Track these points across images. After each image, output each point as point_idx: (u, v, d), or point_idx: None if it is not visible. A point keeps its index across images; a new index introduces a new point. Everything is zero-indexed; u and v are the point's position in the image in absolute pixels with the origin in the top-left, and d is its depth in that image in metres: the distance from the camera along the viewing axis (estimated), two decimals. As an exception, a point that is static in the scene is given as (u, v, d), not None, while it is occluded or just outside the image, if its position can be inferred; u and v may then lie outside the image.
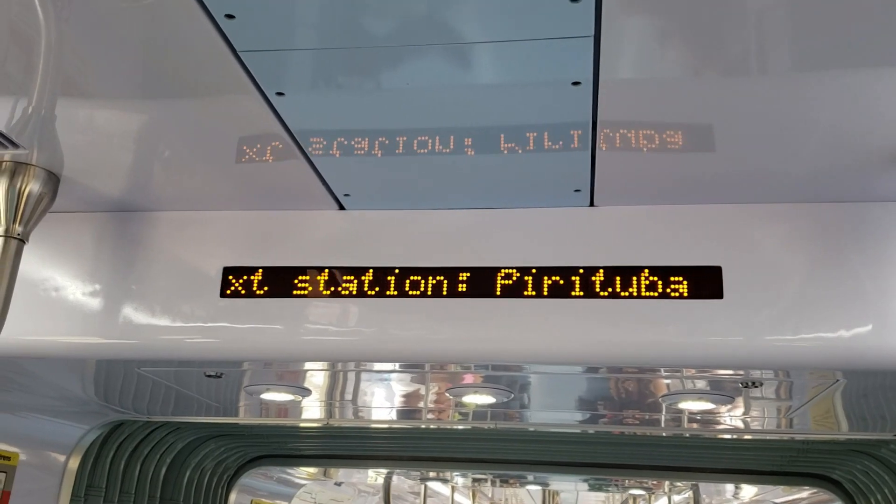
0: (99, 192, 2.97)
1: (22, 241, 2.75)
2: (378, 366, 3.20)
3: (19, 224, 2.74)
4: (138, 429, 4.69)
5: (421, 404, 4.14)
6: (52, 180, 2.81)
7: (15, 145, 2.62)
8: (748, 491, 8.49)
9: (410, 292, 2.84)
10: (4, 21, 2.01)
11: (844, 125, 2.32)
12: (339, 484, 10.83)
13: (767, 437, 4.56)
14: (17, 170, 2.74)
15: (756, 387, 3.02)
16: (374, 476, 11.62)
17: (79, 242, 3.08)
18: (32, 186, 2.75)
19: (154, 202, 3.05)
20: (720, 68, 2.09)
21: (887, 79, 2.08)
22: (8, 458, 3.79)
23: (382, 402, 4.12)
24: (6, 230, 2.72)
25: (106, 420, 4.33)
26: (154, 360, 3.10)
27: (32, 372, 3.45)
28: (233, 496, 6.27)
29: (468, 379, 3.29)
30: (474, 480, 11.55)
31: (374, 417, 4.60)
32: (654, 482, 9.33)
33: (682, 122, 2.36)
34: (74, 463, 4.19)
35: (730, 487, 8.80)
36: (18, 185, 2.74)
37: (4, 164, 2.74)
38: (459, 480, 11.53)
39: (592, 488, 10.95)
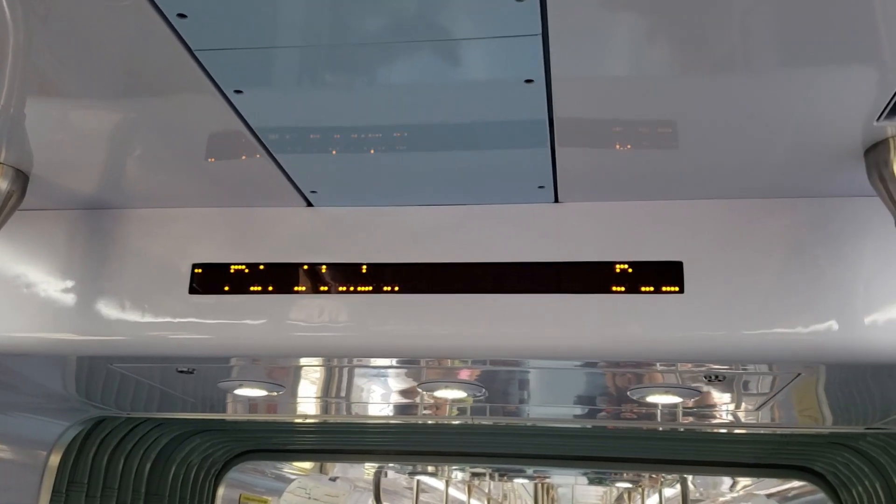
0: (70, 189, 3.00)
1: (-11, 238, 2.77)
2: (353, 361, 3.22)
3: (-14, 222, 2.76)
4: (120, 424, 4.72)
5: (409, 399, 4.15)
6: (21, 178, 2.83)
7: (-20, 145, 2.64)
8: (739, 483, 8.53)
9: (378, 288, 2.86)
10: None
11: (805, 121, 2.34)
12: (333, 479, 10.87)
13: (752, 431, 4.58)
14: (-16, 169, 2.77)
15: (719, 381, 3.04)
16: (370, 471, 11.66)
17: (50, 240, 3.11)
18: (0, 185, 2.77)
19: (125, 199, 3.07)
20: (680, 66, 2.10)
21: (845, 74, 2.09)
22: (-13, 456, 3.82)
23: (365, 396, 4.14)
24: (-28, 227, 2.75)
25: (87, 416, 4.36)
26: (126, 357, 3.12)
27: (9, 368, 3.48)
28: (220, 491, 6.29)
29: (434, 374, 3.31)
30: (472, 475, 11.59)
31: (359, 412, 4.62)
32: (651, 476, 9.37)
33: (643, 119, 2.37)
34: (55, 459, 4.22)
35: (722, 480, 8.84)
36: (-14, 184, 2.76)
37: (-29, 162, 2.76)
38: (457, 475, 11.57)
39: (591, 482, 11.00)
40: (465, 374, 3.29)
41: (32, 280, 3.06)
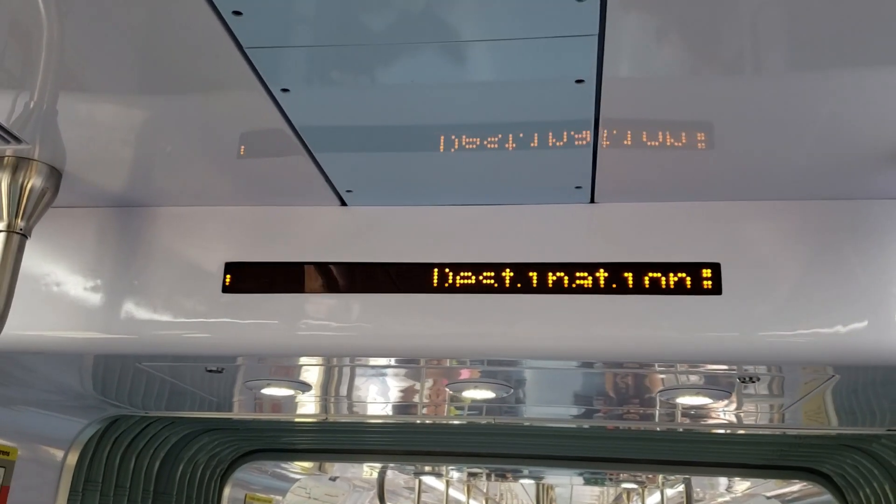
0: (101, 187, 2.98)
1: (24, 235, 2.76)
2: (376, 361, 3.21)
3: (21, 219, 2.74)
4: (134, 423, 4.70)
5: (417, 399, 4.15)
6: (55, 175, 2.81)
7: (17, 140, 2.62)
8: (741, 484, 8.55)
9: (412, 288, 2.86)
10: (5, 15, 2.01)
11: (842, 122, 2.35)
12: (333, 479, 10.85)
13: (759, 432, 4.59)
14: (19, 165, 2.75)
15: (752, 382, 3.05)
16: (369, 471, 11.66)
17: (81, 237, 3.09)
18: (35, 181, 2.76)
19: (156, 197, 3.05)
20: (720, 66, 2.11)
21: (884, 76, 2.10)
22: (7, 454, 3.80)
23: (378, 397, 4.14)
24: (8, 225, 2.73)
25: (104, 415, 4.33)
26: (155, 355, 3.11)
27: (32, 367, 3.46)
28: (227, 490, 6.27)
29: (466, 374, 3.31)
30: (470, 475, 11.59)
31: (369, 412, 4.62)
32: (648, 476, 9.39)
33: (682, 120, 2.38)
34: (73, 458, 4.20)
35: (723, 481, 8.86)
36: (21, 180, 2.74)
37: (7, 159, 2.74)
38: (454, 475, 11.57)
39: (588, 482, 11.01)
40: (497, 375, 3.29)
41: (63, 278, 3.04)
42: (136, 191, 3.01)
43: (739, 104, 2.28)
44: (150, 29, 2.05)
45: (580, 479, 10.49)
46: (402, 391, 3.95)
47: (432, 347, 2.89)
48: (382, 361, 3.21)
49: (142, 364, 3.28)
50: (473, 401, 3.80)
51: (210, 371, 3.34)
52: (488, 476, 11.43)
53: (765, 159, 2.59)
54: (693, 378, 3.16)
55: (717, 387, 3.21)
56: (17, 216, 2.74)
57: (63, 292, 3.02)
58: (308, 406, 4.33)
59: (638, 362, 2.92)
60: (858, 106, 2.25)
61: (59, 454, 4.14)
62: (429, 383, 3.69)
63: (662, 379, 3.22)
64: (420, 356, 3.01)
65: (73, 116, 2.50)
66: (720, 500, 9.97)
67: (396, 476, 11.74)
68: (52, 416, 4.15)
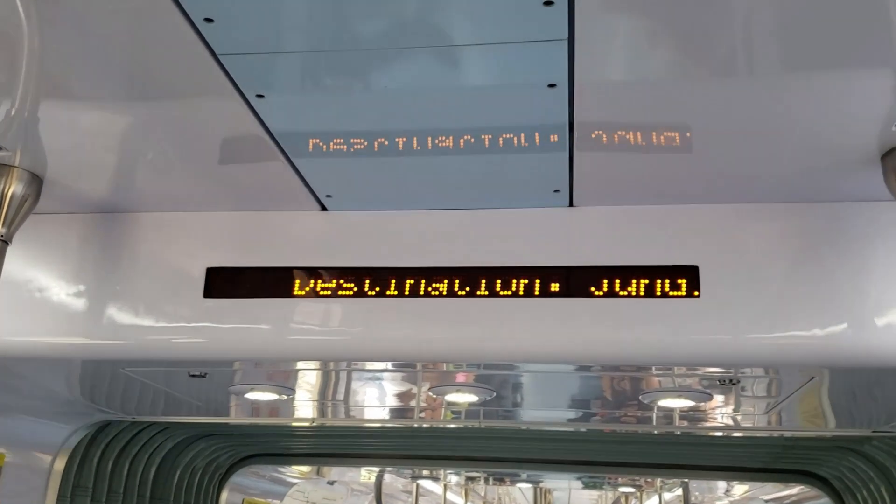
0: (83, 193, 2.99)
1: (5, 242, 2.76)
2: (365, 365, 3.22)
3: (2, 225, 2.75)
4: (125, 429, 4.70)
5: (411, 403, 4.16)
6: (36, 182, 2.82)
7: (-2, 147, 2.63)
8: (739, 488, 8.54)
9: (392, 293, 2.86)
10: None
11: (820, 126, 2.35)
12: (331, 483, 10.86)
13: (755, 435, 4.59)
14: (0, 172, 2.76)
15: (733, 384, 3.05)
16: (367, 475, 11.65)
17: (63, 243, 3.10)
18: (16, 188, 2.77)
19: (138, 203, 3.06)
20: (697, 71, 2.11)
21: (862, 80, 2.10)
22: (-5, 459, 3.80)
23: (372, 401, 4.14)
24: (-12, 231, 2.74)
25: (92, 420, 4.34)
26: (139, 361, 3.11)
27: (18, 372, 3.46)
28: (224, 495, 6.28)
29: (453, 378, 3.31)
30: (467, 479, 11.59)
31: (364, 416, 4.62)
32: (646, 480, 9.37)
33: (659, 123, 2.38)
34: (61, 463, 4.20)
35: (721, 484, 8.85)
36: (2, 187, 2.75)
37: (-13, 165, 2.75)
38: (452, 479, 11.56)
39: (587, 486, 10.99)
40: (465, 378, 3.29)
41: (45, 284, 3.05)
42: (119, 197, 3.02)
43: (718, 108, 2.28)
44: (127, 38, 2.06)
45: (578, 483, 10.48)
46: (395, 395, 3.96)
47: (414, 351, 2.90)
48: (372, 365, 3.21)
49: (125, 369, 3.28)
50: (459, 405, 3.80)
51: (193, 376, 3.34)
52: (486, 480, 11.42)
53: (743, 162, 2.59)
54: (675, 381, 3.16)
55: (697, 389, 3.21)
56: (-2, 222, 2.74)
57: (46, 298, 3.03)
58: (301, 410, 4.33)
59: (617, 365, 2.92)
60: (835, 109, 2.26)
61: (47, 460, 4.15)
62: (420, 387, 3.69)
63: (645, 382, 3.22)
64: (403, 359, 3.02)
65: (55, 123, 2.52)
66: (718, 503, 9.95)
67: (395, 480, 11.74)
68: (40, 422, 4.15)
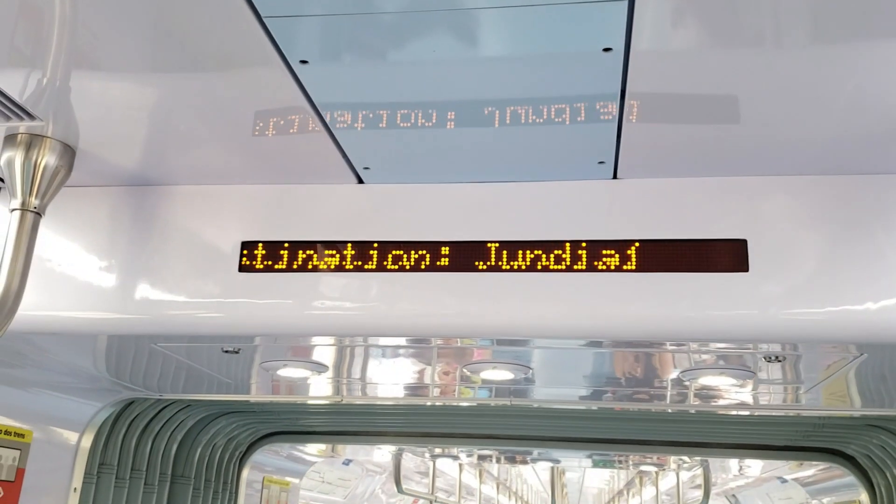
0: (115, 165, 2.93)
1: (39, 214, 2.72)
2: (395, 341, 3.16)
3: (35, 197, 2.70)
4: (149, 406, 4.68)
5: (429, 381, 4.11)
6: (68, 153, 2.77)
7: (31, 116, 2.57)
8: (756, 467, 8.50)
9: (430, 267, 2.81)
10: None
11: (868, 95, 2.28)
12: (347, 463, 10.87)
13: (778, 413, 4.54)
14: (32, 142, 2.71)
15: (779, 361, 2.99)
16: (382, 455, 11.67)
17: (94, 217, 3.05)
18: (48, 159, 2.71)
19: (171, 176, 3.00)
20: (745, 39, 2.04)
21: None
22: (22, 436, 3.78)
23: (392, 377, 4.10)
24: (22, 203, 2.69)
25: (118, 398, 4.31)
26: (170, 336, 3.07)
27: (46, 348, 3.43)
28: (245, 473, 6.28)
29: (482, 355, 3.26)
30: (480, 458, 11.59)
31: (383, 394, 4.59)
32: (662, 458, 9.34)
33: (707, 94, 2.31)
34: (87, 441, 4.18)
35: (737, 463, 8.81)
36: (34, 158, 2.70)
37: (20, 136, 2.70)
38: (465, 458, 11.56)
39: (596, 465, 10.97)
40: (517, 356, 3.24)
41: (77, 258, 3.00)
42: (151, 169, 2.97)
43: (765, 78, 2.21)
44: (163, 3, 1.99)
45: (591, 462, 10.46)
46: (415, 372, 3.91)
47: (449, 326, 2.84)
48: (400, 341, 3.16)
49: (157, 345, 3.24)
50: (489, 382, 3.75)
51: (227, 352, 3.30)
52: (499, 459, 11.43)
53: (791, 133, 2.52)
54: (717, 358, 3.10)
55: (741, 367, 3.15)
56: (31, 194, 2.69)
57: (77, 272, 2.98)
58: (323, 388, 4.29)
59: (663, 341, 2.86)
60: (885, 78, 2.19)
61: (74, 437, 4.13)
62: (441, 364, 3.64)
63: (687, 359, 3.16)
64: (439, 335, 2.96)
65: (87, 94, 2.45)
66: (735, 483, 9.93)
67: (408, 461, 11.76)
68: (67, 398, 4.13)
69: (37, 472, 3.84)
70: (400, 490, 9.72)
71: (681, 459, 9.18)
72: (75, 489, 4.07)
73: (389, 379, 4.11)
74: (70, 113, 2.58)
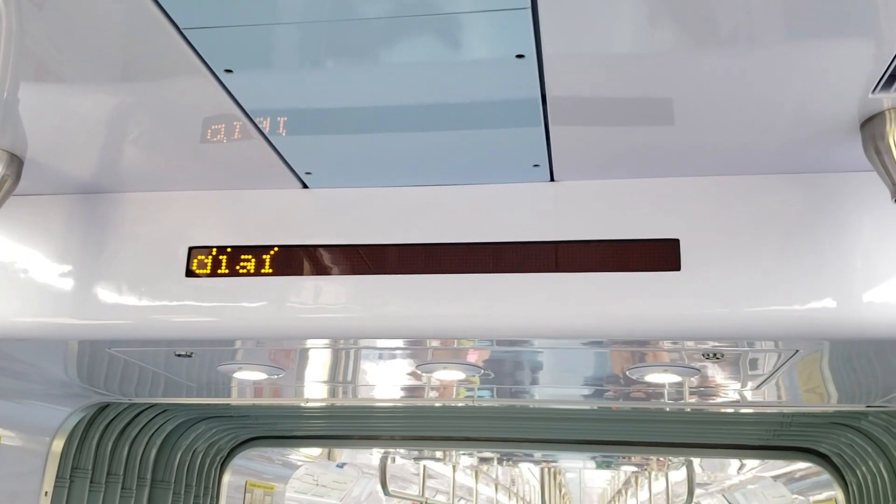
0: (66, 174, 3.00)
1: (-15, 223, 2.78)
2: (352, 343, 3.21)
3: (-19, 206, 2.76)
4: (124, 411, 4.74)
5: (407, 382, 4.16)
6: (15, 162, 2.83)
7: (-26, 129, 2.64)
8: (748, 465, 8.51)
9: (374, 270, 2.86)
10: None
11: (803, 96, 2.32)
12: (341, 466, 10.92)
13: (755, 411, 4.57)
14: (-21, 153, 2.77)
15: (717, 359, 3.03)
16: (377, 457, 11.69)
17: (47, 224, 3.11)
18: (-5, 169, 2.78)
19: (121, 183, 3.07)
20: (673, 41, 2.08)
21: (844, 47, 2.07)
22: (-13, 442, 3.85)
23: (370, 379, 4.15)
24: (-31, 212, 2.75)
25: (89, 402, 4.37)
26: (124, 340, 3.13)
27: (11, 354, 3.49)
28: (226, 477, 6.33)
29: (432, 356, 3.31)
30: (480, 460, 11.60)
31: (364, 396, 4.63)
32: (657, 459, 9.36)
33: (637, 96, 2.35)
34: (58, 445, 4.24)
35: (731, 463, 8.82)
36: (-17, 169, 2.76)
37: (-33, 147, 2.76)
38: (464, 460, 11.58)
39: (600, 466, 11.00)
40: (466, 355, 3.29)
41: (30, 265, 3.06)
42: (101, 177, 3.03)
43: (695, 78, 2.25)
44: (100, 18, 2.06)
45: (588, 462, 10.49)
46: (391, 374, 3.96)
47: (397, 327, 2.89)
48: (370, 343, 3.21)
49: (111, 349, 3.30)
50: (444, 382, 3.80)
51: (179, 355, 3.35)
52: (498, 461, 11.44)
53: (725, 134, 2.56)
54: (660, 356, 3.14)
55: (683, 364, 3.19)
56: (-21, 204, 2.76)
57: (30, 279, 3.04)
58: (304, 390, 4.33)
59: (601, 339, 2.91)
60: (816, 78, 2.22)
61: (44, 441, 4.19)
62: (408, 365, 3.69)
63: (635, 356, 3.20)
64: (388, 336, 3.01)
65: (33, 105, 2.52)
66: (727, 483, 9.94)
67: (406, 463, 11.79)
68: (37, 404, 4.19)
69: (6, 476, 3.91)
70: (386, 493, 9.75)
71: (669, 460, 9.21)
72: (46, 493, 4.13)
73: (366, 381, 4.15)
74: (18, 123, 2.65)
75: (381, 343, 3.20)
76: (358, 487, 12.86)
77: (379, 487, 13.18)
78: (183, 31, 2.10)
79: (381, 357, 3.56)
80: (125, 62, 2.27)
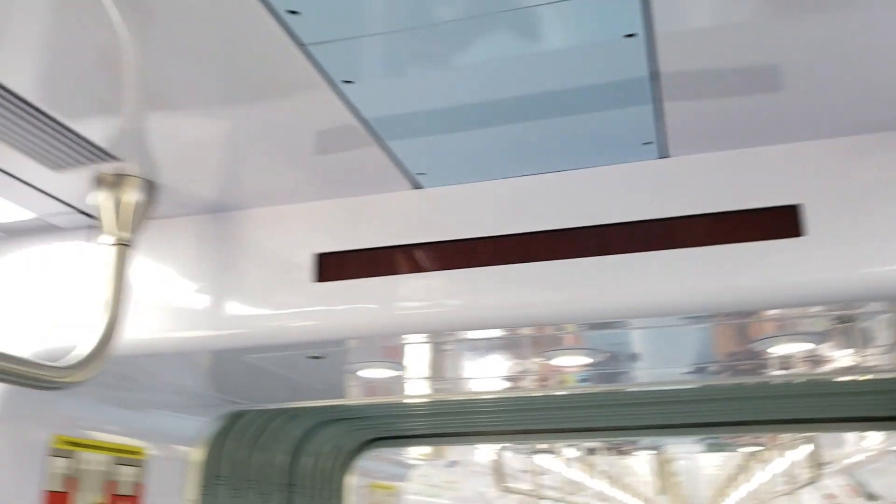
0: (194, 196, 3.18)
1: (128, 246, 2.97)
2: (471, 335, 3.29)
3: (126, 231, 2.96)
4: (256, 418, 4.95)
5: (520, 372, 4.21)
6: (151, 188, 3.02)
7: (115, 158, 2.84)
8: (872, 440, 8.22)
9: (493, 261, 2.93)
10: (91, 50, 2.22)
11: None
12: (451, 464, 11.04)
13: (876, 377, 4.42)
14: (118, 181, 2.97)
15: (844, 323, 2.97)
16: (484, 454, 11.76)
17: (179, 244, 3.30)
18: (134, 195, 2.97)
19: (245, 201, 3.23)
20: (779, 6, 2.08)
21: None
22: (138, 453, 4.08)
23: (481, 372, 4.22)
24: (114, 237, 2.95)
25: (224, 411, 4.59)
26: (258, 347, 3.28)
27: (150, 370, 3.71)
28: (350, 479, 6.52)
29: (560, 342, 3.35)
30: (588, 451, 11.56)
31: (473, 389, 4.70)
32: (772, 438, 9.13)
33: (746, 66, 2.35)
34: (198, 454, 4.47)
35: (850, 438, 8.53)
36: (121, 195, 2.96)
37: (107, 177, 2.96)
38: (570, 452, 11.56)
39: (712, 449, 10.80)
40: (576, 341, 3.32)
41: (166, 283, 3.25)
42: (227, 196, 3.20)
43: (806, 41, 2.24)
44: (217, 42, 2.20)
45: (700, 447, 10.32)
46: (504, 366, 4.02)
47: (525, 316, 2.95)
48: (478, 334, 3.28)
49: (247, 357, 3.47)
50: (570, 369, 3.83)
51: (312, 358, 3.50)
52: (607, 450, 11.38)
53: (837, 93, 2.52)
54: (782, 325, 3.10)
55: (809, 332, 3.14)
56: (121, 229, 2.95)
57: (168, 297, 3.23)
58: (414, 388, 4.45)
59: (725, 313, 2.89)
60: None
61: (186, 451, 4.42)
62: (528, 355, 3.74)
63: (756, 327, 3.17)
64: (504, 326, 3.07)
65: (161, 132, 2.70)
66: (845, 462, 9.59)
67: (513, 460, 11.84)
68: (177, 416, 4.43)
69: (155, 486, 4.14)
70: (503, 489, 9.80)
71: (791, 437, 8.97)
72: (192, 501, 4.36)
73: (478, 374, 4.23)
74: (148, 151, 2.83)
75: (497, 334, 3.25)
76: (469, 485, 12.98)
77: (485, 487, 13.27)
78: (306, 46, 2.22)
79: (496, 348, 3.62)
80: (246, 82, 2.40)
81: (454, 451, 11.44)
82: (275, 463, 5.34)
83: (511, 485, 10.91)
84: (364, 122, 2.63)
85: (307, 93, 2.46)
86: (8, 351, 2.51)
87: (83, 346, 2.79)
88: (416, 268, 3.01)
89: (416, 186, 3.11)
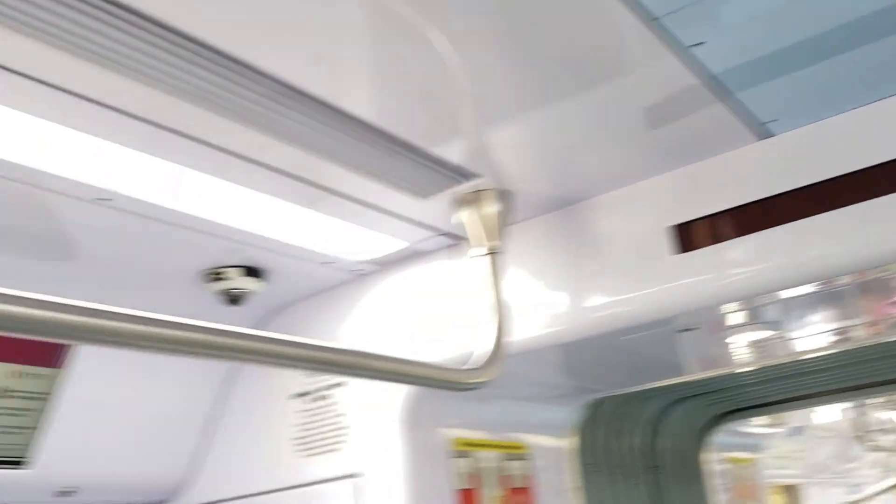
0: (543, 196, 3.34)
1: (499, 254, 3.19)
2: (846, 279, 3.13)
3: (494, 240, 3.18)
4: (613, 404, 5.06)
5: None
6: (507, 196, 3.22)
7: (475, 176, 3.07)
8: None
9: (863, 197, 2.76)
10: (418, 87, 2.42)
11: None
12: (797, 429, 10.47)
13: None
14: (477, 197, 3.20)
15: None
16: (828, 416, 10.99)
17: (536, 244, 3.48)
18: (493, 207, 3.19)
19: (591, 189, 3.33)
20: None
21: None
22: (520, 448, 4.34)
23: (842, 325, 3.99)
24: (485, 248, 3.18)
25: (585, 400, 4.75)
26: (630, 328, 3.35)
27: (522, 367, 3.91)
28: (707, 456, 6.42)
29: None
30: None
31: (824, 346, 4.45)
32: None
33: None
34: (572, 442, 4.67)
35: None
36: (482, 209, 3.19)
37: (467, 195, 3.21)
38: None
39: None
40: None
41: (535, 283, 3.44)
42: (573, 189, 3.32)
43: None
44: (554, 31, 2.27)
45: None
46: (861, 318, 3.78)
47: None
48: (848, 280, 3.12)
49: (619, 340, 3.56)
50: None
51: (682, 331, 3.51)
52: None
53: None
54: None
55: None
56: (490, 239, 3.18)
57: (539, 295, 3.41)
58: (779, 349, 4.31)
59: None
60: None
61: (559, 443, 4.63)
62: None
63: None
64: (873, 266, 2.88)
65: (506, 142, 2.87)
66: None
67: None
68: (545, 408, 4.66)
69: (541, 477, 4.38)
70: (865, 448, 9.11)
71: None
72: (575, 487, 4.56)
73: (840, 327, 4.01)
74: (499, 162, 3.03)
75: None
76: (817, 454, 12.20)
77: (832, 452, 12.37)
78: (658, 19, 2.25)
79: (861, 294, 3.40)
80: (581, 68, 2.47)
81: (794, 418, 10.82)
82: (635, 446, 5.42)
83: (875, 442, 10.11)
84: (710, 79, 2.60)
85: (648, 64, 2.48)
86: (426, 359, 2.80)
87: (479, 350, 3.03)
88: (779, 220, 2.91)
89: (764, 136, 3.02)
